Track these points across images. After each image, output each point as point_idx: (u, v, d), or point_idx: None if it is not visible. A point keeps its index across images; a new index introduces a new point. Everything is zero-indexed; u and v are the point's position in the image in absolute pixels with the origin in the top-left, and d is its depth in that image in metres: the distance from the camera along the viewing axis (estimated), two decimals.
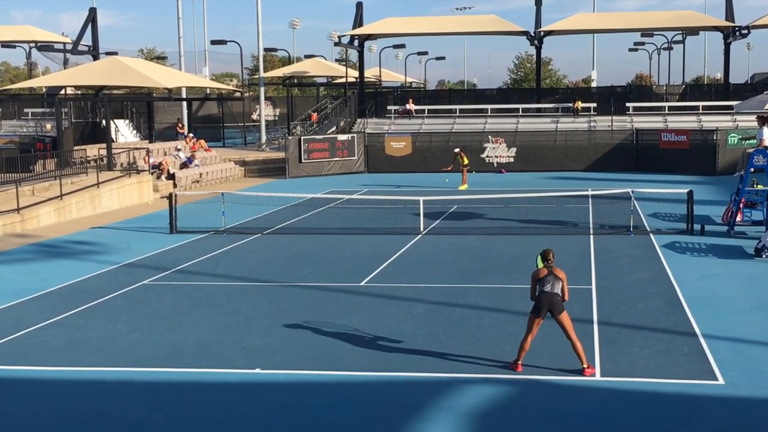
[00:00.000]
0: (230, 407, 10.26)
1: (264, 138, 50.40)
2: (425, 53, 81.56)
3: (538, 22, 47.56)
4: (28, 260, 20.30)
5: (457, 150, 35.39)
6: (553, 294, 10.99)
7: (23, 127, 46.61)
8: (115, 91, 49.77)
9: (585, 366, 11.10)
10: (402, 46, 66.79)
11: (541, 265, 11.24)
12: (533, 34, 47.23)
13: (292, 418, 9.91)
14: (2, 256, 20.94)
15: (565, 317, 11.04)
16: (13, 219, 24.65)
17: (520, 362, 11.33)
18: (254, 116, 61.49)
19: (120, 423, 9.88)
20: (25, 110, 49.99)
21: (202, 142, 42.10)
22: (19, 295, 16.30)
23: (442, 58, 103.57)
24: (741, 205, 21.98)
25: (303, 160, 40.31)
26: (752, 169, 21.69)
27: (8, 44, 59.70)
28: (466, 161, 34.55)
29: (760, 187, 22.41)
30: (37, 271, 18.83)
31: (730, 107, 42.18)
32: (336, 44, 59.49)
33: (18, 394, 10.95)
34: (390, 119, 46.50)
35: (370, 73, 65.20)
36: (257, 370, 11.56)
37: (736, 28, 46.00)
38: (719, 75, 72.18)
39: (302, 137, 41.47)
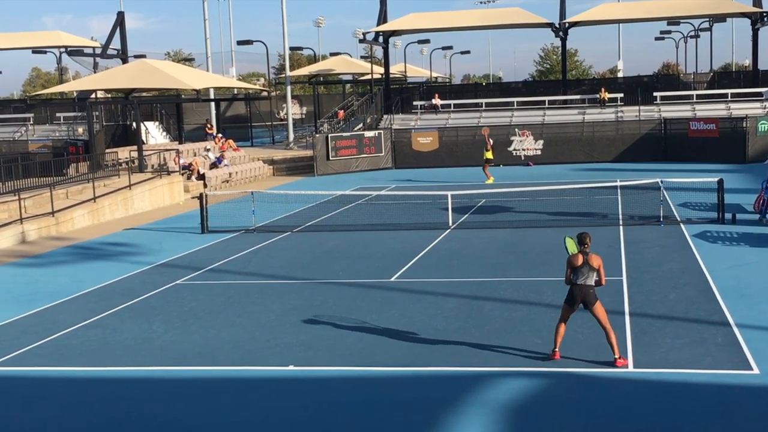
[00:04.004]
0: (264, 404, 10.38)
1: (292, 136, 50.66)
2: (450, 48, 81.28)
3: (562, 14, 47.28)
4: (63, 262, 20.62)
5: (485, 130, 35.34)
6: (586, 287, 10.97)
7: (56, 132, 47.26)
8: (144, 94, 50.25)
9: (617, 357, 11.08)
10: (427, 41, 66.67)
11: (573, 249, 11.19)
12: (558, 26, 46.96)
13: (326, 414, 10.01)
14: (38, 258, 21.29)
15: (598, 308, 11.02)
16: (49, 222, 25.04)
17: (557, 350, 11.32)
18: (280, 115, 61.73)
19: (155, 421, 10.04)
20: (57, 115, 50.67)
21: (231, 141, 42.42)
22: (56, 297, 16.57)
23: (467, 52, 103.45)
24: None
25: (331, 158, 40.47)
26: None
27: (39, 50, 60.48)
28: (490, 156, 34.25)
29: None
30: (72, 273, 19.13)
31: (760, 94, 41.73)
32: (361, 41, 59.45)
33: (56, 394, 11.16)
34: (416, 115, 46.50)
35: (395, 69, 65.19)
36: (290, 367, 11.68)
37: (764, 14, 45.41)
38: (747, 62, 71.29)
39: (329, 135, 41.62)
